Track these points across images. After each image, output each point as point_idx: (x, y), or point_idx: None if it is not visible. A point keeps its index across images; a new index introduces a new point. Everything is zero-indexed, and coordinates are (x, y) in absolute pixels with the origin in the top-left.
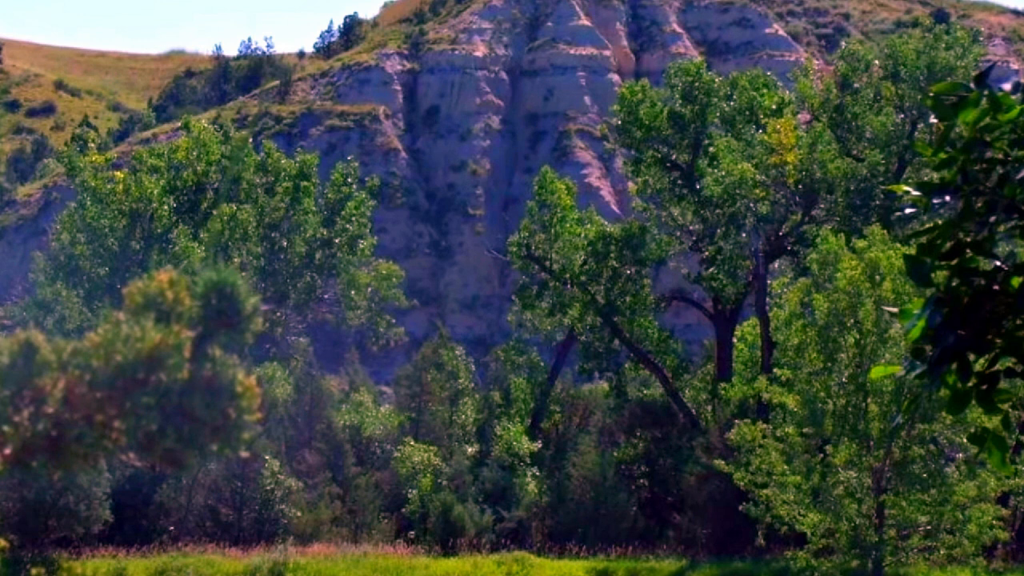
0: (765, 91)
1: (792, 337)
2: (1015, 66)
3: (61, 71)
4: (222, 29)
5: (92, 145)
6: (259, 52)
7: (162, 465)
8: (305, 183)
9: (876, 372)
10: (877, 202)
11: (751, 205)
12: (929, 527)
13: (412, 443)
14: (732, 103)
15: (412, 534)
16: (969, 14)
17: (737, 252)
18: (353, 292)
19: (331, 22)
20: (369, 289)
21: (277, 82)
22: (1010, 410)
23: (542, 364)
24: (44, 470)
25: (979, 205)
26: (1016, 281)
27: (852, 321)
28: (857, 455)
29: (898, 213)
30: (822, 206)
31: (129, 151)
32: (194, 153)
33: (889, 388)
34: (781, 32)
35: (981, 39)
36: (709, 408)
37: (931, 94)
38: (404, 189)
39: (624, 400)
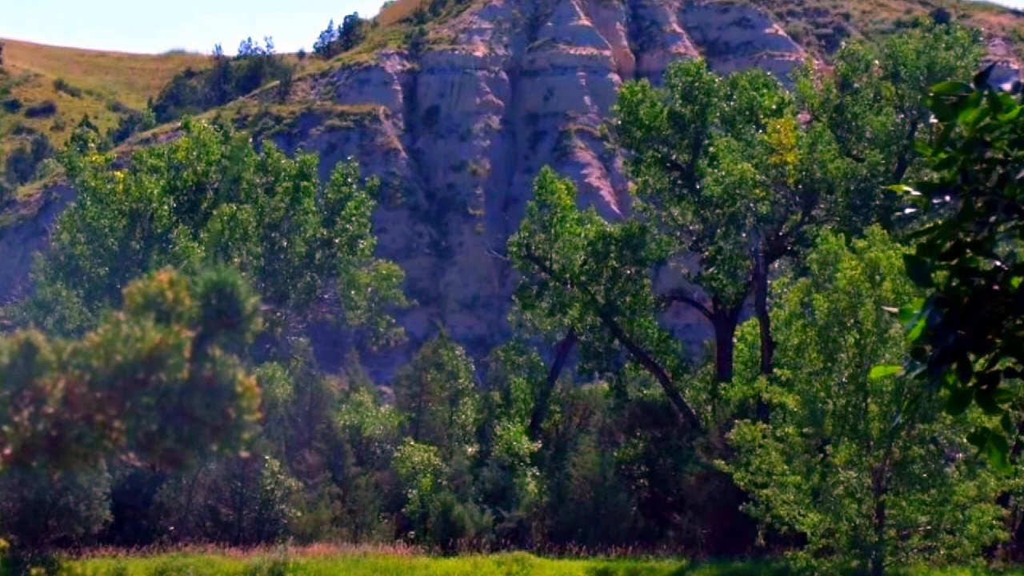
0: (765, 91)
1: (792, 337)
2: (1015, 66)
3: (61, 71)
4: (222, 29)
5: (92, 145)
6: (259, 52)
7: (162, 465)
8: (305, 183)
9: (876, 372)
10: (877, 202)
11: (751, 205)
12: (929, 527)
13: (412, 443)
14: (732, 103)
15: (412, 534)
16: (969, 14)
17: (737, 252)
18: (353, 292)
19: (331, 22)
20: (369, 289)
21: (277, 82)
22: (1010, 410)
23: (542, 364)
24: (44, 470)
25: (979, 205)
26: (1016, 281)
27: (852, 321)
28: (857, 455)
29: (898, 213)
30: (822, 206)
31: (129, 151)
32: (194, 153)
33: (889, 388)
34: (781, 32)
35: (981, 39)
36: (709, 408)
37: (931, 94)
38: (404, 189)
39: (624, 400)
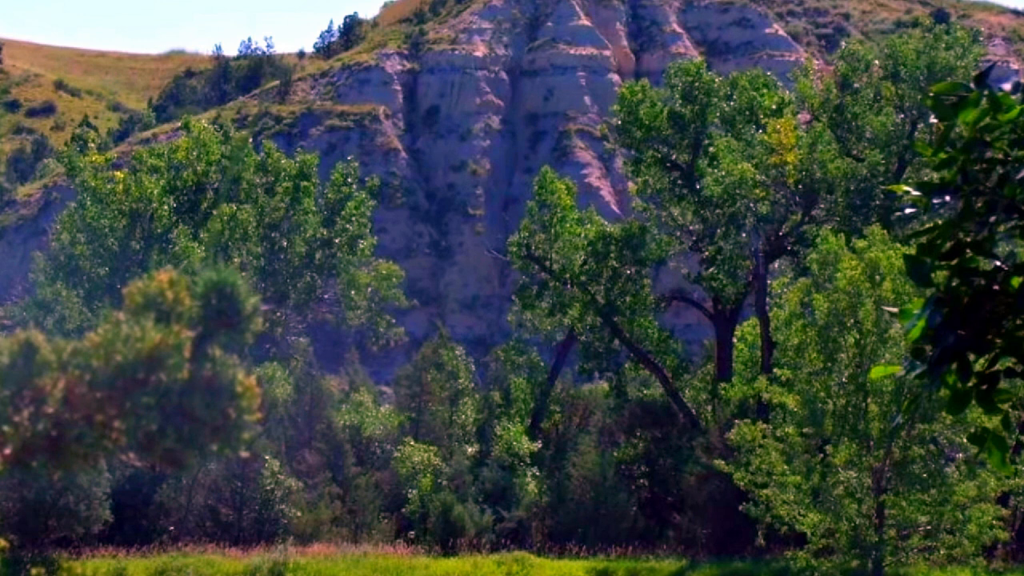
0: (765, 91)
1: (792, 337)
2: (1015, 66)
3: (61, 71)
4: (222, 29)
5: (92, 145)
6: (259, 52)
7: (162, 465)
8: (305, 183)
9: (876, 372)
10: (877, 202)
11: (751, 205)
12: (929, 527)
13: (412, 443)
14: (732, 103)
15: (412, 534)
16: (969, 14)
17: (737, 252)
18: (353, 292)
19: (331, 22)
20: (369, 289)
21: (277, 82)
22: (1010, 410)
23: (542, 364)
24: (44, 470)
25: (979, 205)
26: (1016, 281)
27: (852, 321)
28: (857, 455)
29: (898, 213)
30: (822, 206)
31: (129, 151)
32: (194, 153)
33: (889, 388)
34: (781, 32)
35: (981, 39)
36: (709, 408)
37: (931, 94)
38: (404, 189)
39: (624, 400)
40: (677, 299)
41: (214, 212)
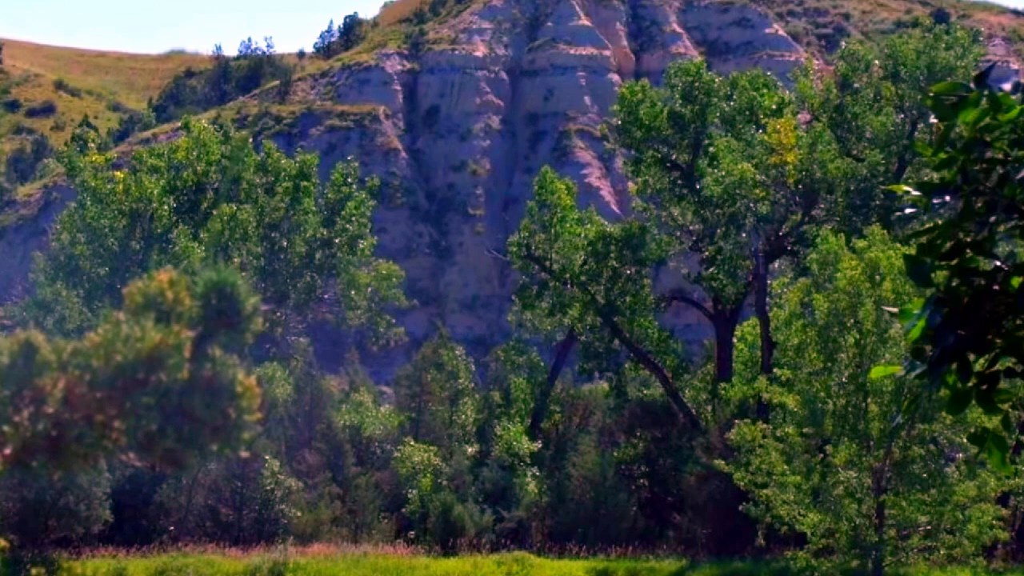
0: (765, 91)
1: (792, 337)
2: (1015, 66)
3: (61, 71)
4: (222, 29)
5: (92, 145)
6: (259, 52)
7: (162, 465)
8: (305, 183)
9: (876, 372)
10: (877, 202)
11: (751, 205)
12: (929, 527)
13: (412, 443)
14: (732, 103)
15: (412, 534)
16: (969, 14)
17: (737, 252)
18: (353, 292)
19: (331, 22)
20: (369, 289)
21: (277, 82)
22: (1010, 410)
23: (542, 364)
24: (44, 470)
25: (979, 205)
26: (1016, 281)
27: (852, 321)
28: (857, 455)
29: (898, 213)
30: (822, 206)
31: (129, 151)
32: (194, 153)
33: (889, 388)
34: (781, 32)
35: (981, 39)
36: (709, 408)
37: (931, 94)
38: (404, 189)
39: (624, 400)
40: (677, 299)
41: (214, 212)
